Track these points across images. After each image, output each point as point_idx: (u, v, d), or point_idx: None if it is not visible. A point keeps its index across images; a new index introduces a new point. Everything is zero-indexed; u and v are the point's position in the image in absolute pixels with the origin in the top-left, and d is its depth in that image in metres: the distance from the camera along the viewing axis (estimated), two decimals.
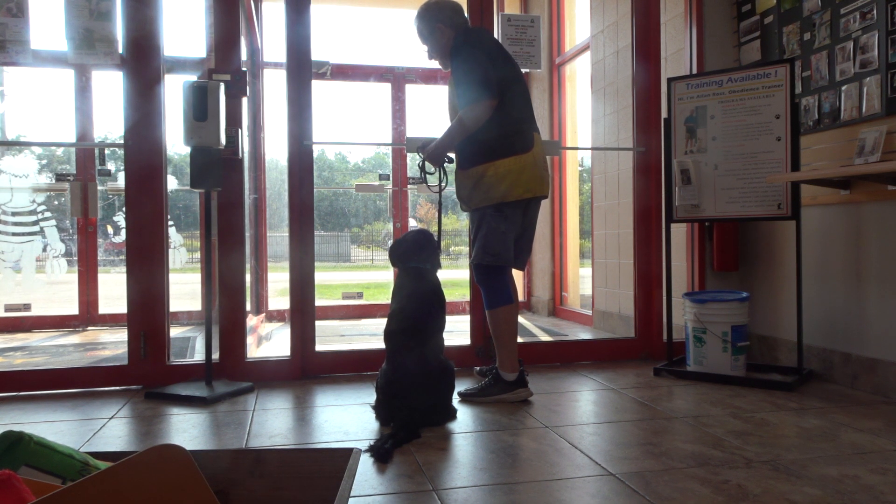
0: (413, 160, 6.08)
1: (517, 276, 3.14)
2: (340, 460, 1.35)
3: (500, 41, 2.97)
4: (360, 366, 3.23)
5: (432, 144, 2.75)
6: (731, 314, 3.02)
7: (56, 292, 5.59)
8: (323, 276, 2.92)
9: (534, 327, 4.96)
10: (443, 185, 2.84)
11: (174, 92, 2.94)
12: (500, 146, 2.61)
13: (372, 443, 2.08)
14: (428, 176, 2.86)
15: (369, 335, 4.76)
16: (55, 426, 2.40)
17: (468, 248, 2.93)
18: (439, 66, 2.89)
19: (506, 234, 2.66)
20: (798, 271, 2.94)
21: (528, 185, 2.64)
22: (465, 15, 2.82)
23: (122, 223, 3.11)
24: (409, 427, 2.23)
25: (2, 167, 5.26)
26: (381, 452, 2.00)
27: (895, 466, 1.90)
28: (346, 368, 3.21)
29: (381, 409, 2.41)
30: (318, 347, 3.19)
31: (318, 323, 3.21)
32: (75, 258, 5.15)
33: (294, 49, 3.13)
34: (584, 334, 4.68)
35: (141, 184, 2.96)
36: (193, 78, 2.81)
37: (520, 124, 2.68)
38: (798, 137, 2.97)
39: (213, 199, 3.01)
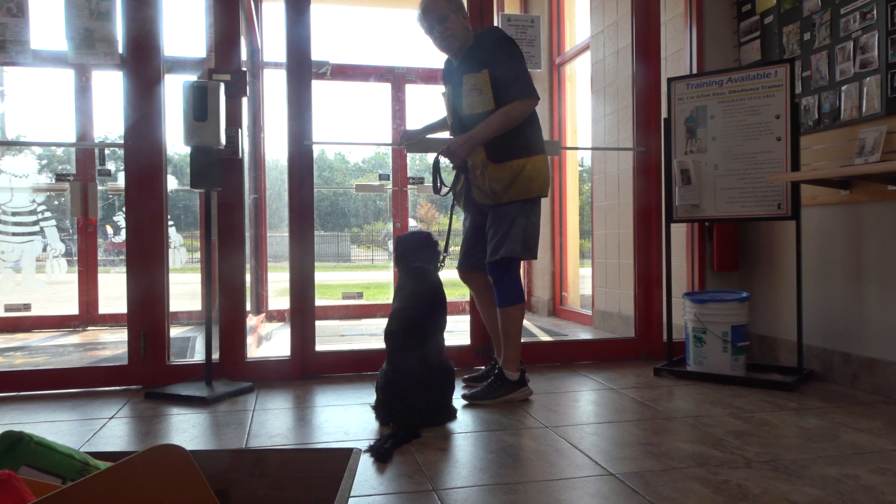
0: (413, 159, 6.08)
1: None
2: (340, 460, 1.35)
3: None
4: (360, 366, 3.23)
5: (462, 137, 2.62)
6: (731, 314, 3.02)
7: (56, 292, 5.59)
8: (323, 276, 2.93)
9: (534, 327, 4.96)
10: (456, 188, 2.80)
11: (174, 92, 2.94)
12: (536, 143, 2.69)
13: (372, 443, 2.08)
14: (442, 176, 2.74)
15: (369, 335, 4.76)
16: (55, 426, 2.40)
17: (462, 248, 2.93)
18: (443, 53, 2.77)
19: (537, 230, 2.74)
20: (798, 271, 2.94)
21: (550, 183, 2.79)
22: None
23: (122, 223, 3.11)
24: (409, 427, 2.23)
25: (2, 167, 5.26)
26: (381, 452, 2.00)
27: (895, 466, 1.90)
28: (347, 368, 3.21)
29: (381, 409, 2.41)
30: (318, 347, 3.19)
31: (318, 323, 3.21)
32: (75, 258, 5.15)
33: (294, 49, 3.13)
34: (584, 334, 4.68)
35: (141, 184, 2.95)
36: (193, 78, 2.80)
37: (539, 125, 2.78)
38: (798, 137, 2.97)
39: (213, 199, 3.01)
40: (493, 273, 2.72)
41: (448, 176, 2.85)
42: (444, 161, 2.77)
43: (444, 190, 2.77)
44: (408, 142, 2.99)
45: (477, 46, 2.68)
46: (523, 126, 2.63)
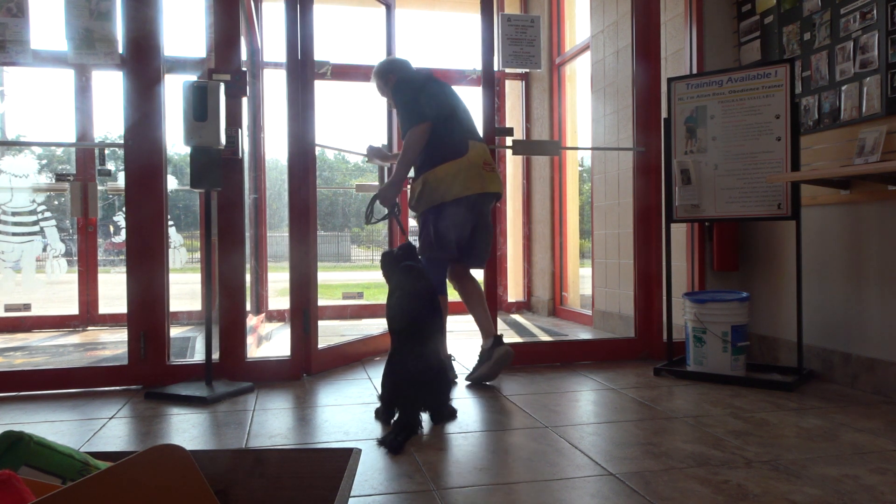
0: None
1: (478, 273, 3.31)
2: (340, 460, 1.35)
3: (431, 74, 3.20)
4: (362, 353, 3.38)
5: (387, 183, 3.03)
6: (731, 314, 3.02)
7: (56, 292, 5.59)
8: (323, 276, 2.99)
9: (534, 327, 4.96)
10: (379, 220, 3.13)
11: (174, 92, 2.94)
12: (434, 156, 2.95)
13: (381, 436, 2.14)
14: (374, 209, 3.11)
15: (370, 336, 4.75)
16: (55, 426, 2.40)
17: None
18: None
19: (444, 232, 2.94)
20: (798, 271, 2.94)
21: (465, 183, 2.93)
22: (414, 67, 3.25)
23: (122, 223, 3.11)
24: (410, 426, 2.23)
25: (2, 167, 5.25)
26: (395, 445, 2.05)
27: (895, 466, 1.90)
28: (348, 360, 3.31)
29: (380, 409, 2.41)
30: (318, 347, 3.20)
31: (318, 322, 3.21)
32: (75, 258, 5.15)
33: (295, 49, 3.13)
34: (584, 334, 4.68)
35: (141, 184, 2.95)
36: (193, 78, 2.80)
37: (451, 135, 2.99)
38: (798, 137, 2.97)
39: (213, 199, 3.01)
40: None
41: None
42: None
43: (373, 220, 3.12)
44: (371, 156, 3.48)
45: None
46: (427, 145, 2.93)
